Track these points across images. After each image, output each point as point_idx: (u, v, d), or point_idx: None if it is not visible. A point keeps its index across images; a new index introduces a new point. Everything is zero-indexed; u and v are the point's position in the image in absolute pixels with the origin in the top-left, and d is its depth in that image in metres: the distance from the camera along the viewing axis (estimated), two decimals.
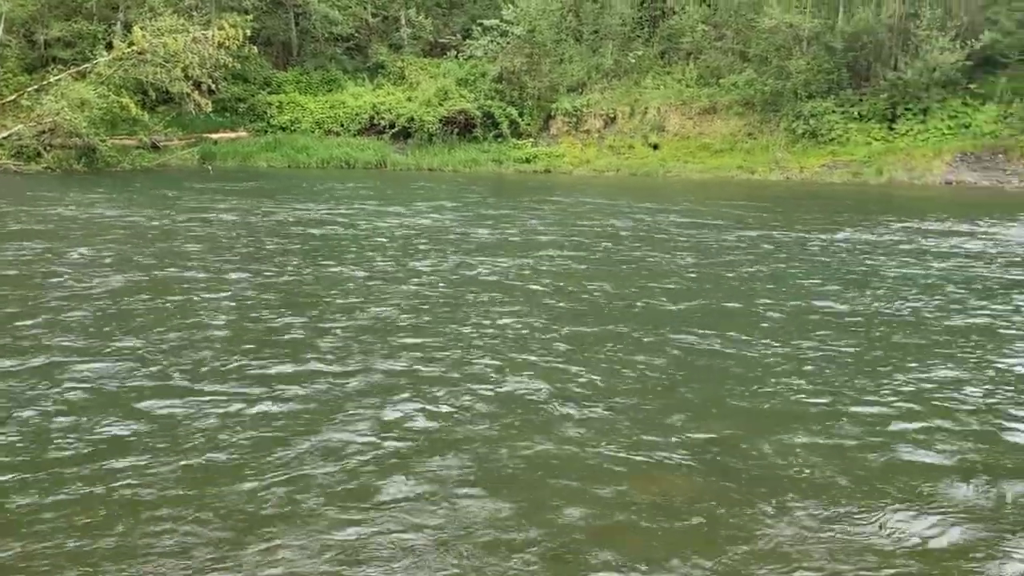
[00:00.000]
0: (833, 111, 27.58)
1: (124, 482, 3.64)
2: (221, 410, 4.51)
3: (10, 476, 3.68)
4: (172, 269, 8.80)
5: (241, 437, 4.17)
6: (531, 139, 30.27)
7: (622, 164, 28.44)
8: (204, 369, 5.25)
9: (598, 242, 11.47)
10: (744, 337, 6.19)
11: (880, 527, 3.36)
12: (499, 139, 30.01)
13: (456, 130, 29.80)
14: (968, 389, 5.10)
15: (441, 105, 29.85)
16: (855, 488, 3.72)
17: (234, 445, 4.07)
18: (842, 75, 27.92)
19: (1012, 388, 5.17)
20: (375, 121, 29.90)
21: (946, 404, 4.83)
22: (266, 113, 30.55)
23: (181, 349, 5.67)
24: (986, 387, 5.17)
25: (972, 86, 27.11)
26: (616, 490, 3.70)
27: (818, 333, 6.38)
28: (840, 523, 3.39)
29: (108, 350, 5.64)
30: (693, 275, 9.05)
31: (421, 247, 10.72)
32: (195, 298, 7.33)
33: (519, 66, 30.55)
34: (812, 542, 3.24)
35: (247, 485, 3.63)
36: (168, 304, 7.09)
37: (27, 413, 4.43)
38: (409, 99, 30.29)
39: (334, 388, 4.92)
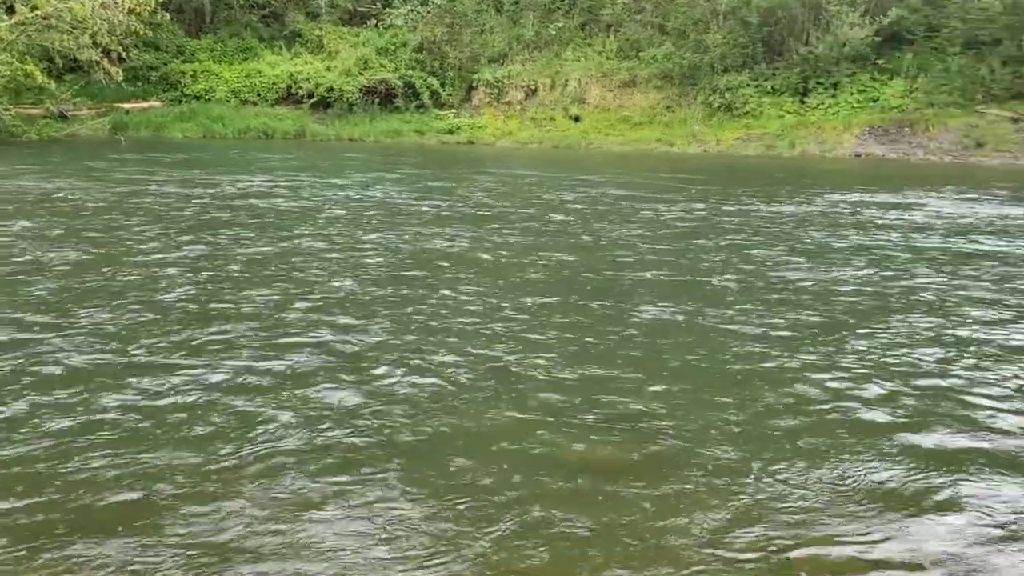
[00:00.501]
0: (748, 85, 28.15)
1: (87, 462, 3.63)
2: (175, 386, 4.51)
3: None
4: (128, 242, 8.68)
5: (199, 410, 4.21)
6: (453, 110, 30.14)
7: (544, 136, 28.58)
8: (173, 341, 5.26)
9: (550, 215, 11.62)
10: (707, 308, 6.42)
11: (820, 481, 3.57)
12: (421, 109, 29.80)
13: (377, 100, 29.46)
14: (922, 352, 5.40)
15: (361, 75, 29.46)
16: (804, 447, 3.92)
17: (186, 420, 4.08)
18: (757, 49, 28.48)
19: (963, 352, 5.47)
20: (293, 91, 29.36)
21: (901, 367, 5.11)
22: (179, 82, 29.69)
23: (148, 324, 5.65)
24: (939, 352, 5.47)
25: (880, 61, 27.98)
26: (554, 458, 3.85)
27: (780, 303, 6.63)
28: (780, 483, 3.57)
29: (77, 325, 5.58)
30: (650, 247, 9.26)
31: (374, 220, 10.73)
32: (157, 271, 7.28)
33: (440, 36, 30.31)
34: (743, 506, 3.42)
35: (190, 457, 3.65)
36: (131, 278, 7.04)
37: None
38: (328, 68, 29.80)
39: (313, 357, 4.99)
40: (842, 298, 6.84)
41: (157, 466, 3.60)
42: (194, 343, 5.23)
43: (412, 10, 30.53)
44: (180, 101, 29.12)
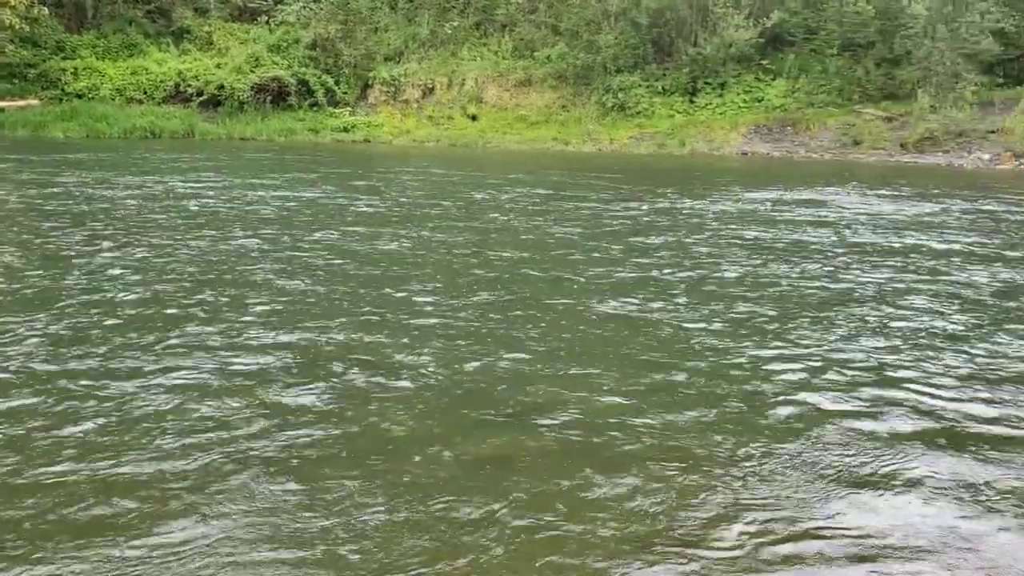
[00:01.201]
0: (639, 85, 28.86)
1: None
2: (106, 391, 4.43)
3: None
4: (58, 244, 8.44)
5: (153, 414, 4.17)
6: (348, 108, 29.87)
7: (442, 135, 28.64)
8: (115, 343, 5.22)
9: (483, 214, 11.74)
10: (650, 304, 6.63)
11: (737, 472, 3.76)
12: (315, 108, 29.42)
13: (269, 98, 28.93)
14: (855, 341, 5.72)
15: (252, 72, 28.89)
16: (723, 440, 4.11)
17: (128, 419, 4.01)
18: (647, 50, 29.21)
19: (898, 342, 5.80)
20: (182, 89, 28.57)
21: (833, 355, 5.41)
22: (60, 80, 28.48)
23: (89, 328, 5.51)
24: (875, 342, 5.80)
25: (764, 62, 29.10)
26: (471, 451, 3.98)
27: (722, 296, 6.88)
28: (690, 475, 3.75)
29: (19, 330, 5.39)
30: (590, 244, 9.51)
31: (306, 219, 10.66)
32: (99, 274, 7.08)
33: (334, 33, 29.98)
34: (646, 498, 3.58)
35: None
36: (71, 282, 6.81)
37: None
38: (218, 66, 29.12)
39: (257, 363, 4.96)
40: (785, 291, 7.16)
41: (119, 472, 3.59)
42: (149, 345, 5.18)
43: (304, 7, 30.11)
44: (61, 99, 27.95)
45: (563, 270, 7.98)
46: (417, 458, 3.92)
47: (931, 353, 5.56)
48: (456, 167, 19.60)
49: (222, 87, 28.28)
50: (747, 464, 3.94)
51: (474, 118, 29.75)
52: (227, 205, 11.88)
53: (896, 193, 15.93)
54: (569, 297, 6.85)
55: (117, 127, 26.27)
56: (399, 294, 6.82)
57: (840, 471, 3.88)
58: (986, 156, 24.77)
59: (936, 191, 16.46)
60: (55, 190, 12.95)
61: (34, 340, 5.30)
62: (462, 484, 3.69)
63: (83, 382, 4.65)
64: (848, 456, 4.04)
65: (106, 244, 8.50)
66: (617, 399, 4.67)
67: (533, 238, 9.85)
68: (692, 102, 28.78)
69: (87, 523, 3.28)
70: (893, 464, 3.96)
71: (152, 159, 18.75)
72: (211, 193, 13.03)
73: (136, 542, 3.14)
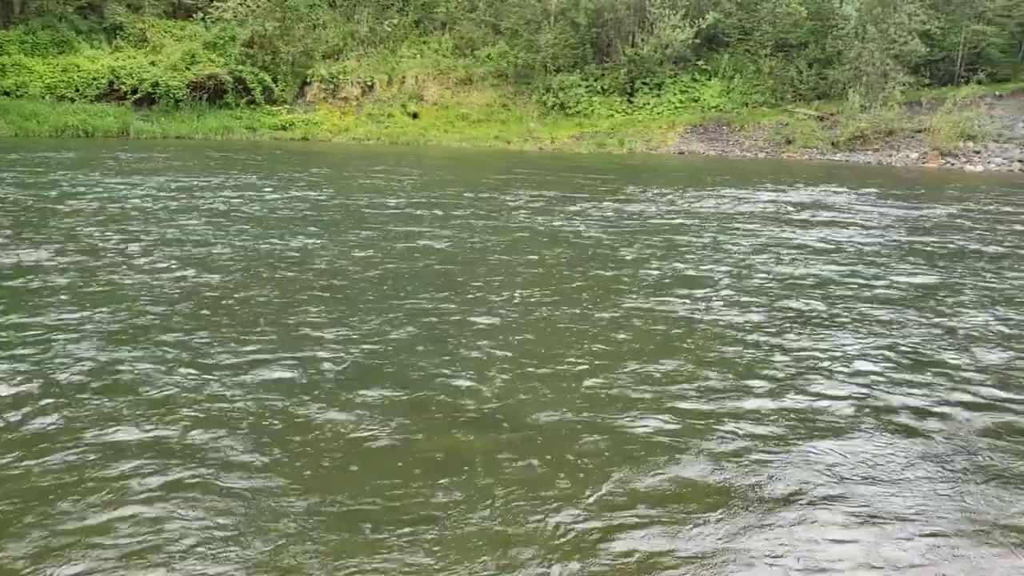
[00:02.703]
0: (579, 85, 29.14)
1: None
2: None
3: None
4: (53, 247, 8.40)
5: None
6: (286, 106, 29.58)
7: (382, 132, 28.54)
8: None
9: (508, 214, 12.00)
10: (624, 303, 6.76)
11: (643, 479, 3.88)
12: (252, 106, 29.07)
13: (206, 96, 28.51)
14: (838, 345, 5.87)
15: (188, 69, 28.42)
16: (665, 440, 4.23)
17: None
18: (587, 50, 29.51)
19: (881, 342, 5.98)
20: (115, 86, 27.96)
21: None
22: None
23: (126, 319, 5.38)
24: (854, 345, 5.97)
25: (700, 63, 29.61)
26: (407, 447, 4.06)
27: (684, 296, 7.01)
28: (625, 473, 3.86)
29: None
30: (587, 242, 9.80)
31: (353, 219, 10.87)
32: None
33: (271, 30, 29.64)
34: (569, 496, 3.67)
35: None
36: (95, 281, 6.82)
37: None
38: (153, 63, 28.57)
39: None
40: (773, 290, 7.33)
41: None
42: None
43: (241, 3, 29.68)
44: None
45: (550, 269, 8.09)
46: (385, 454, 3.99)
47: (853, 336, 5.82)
48: (430, 168, 19.51)
49: (157, 85, 27.77)
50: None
51: (415, 116, 29.71)
52: (230, 207, 11.68)
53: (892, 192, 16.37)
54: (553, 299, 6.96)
55: (48, 125, 25.60)
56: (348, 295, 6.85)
57: (752, 493, 4.04)
58: (914, 154, 25.55)
59: (875, 190, 16.93)
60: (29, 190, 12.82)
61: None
62: (416, 480, 3.77)
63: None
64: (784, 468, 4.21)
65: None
66: (569, 398, 4.77)
67: (564, 238, 9.95)
68: (631, 102, 29.15)
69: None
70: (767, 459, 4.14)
71: (101, 159, 18.29)
72: (198, 195, 12.79)
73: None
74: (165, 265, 7.95)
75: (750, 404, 4.87)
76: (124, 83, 27.80)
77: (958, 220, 13.06)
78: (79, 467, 3.85)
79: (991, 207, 14.98)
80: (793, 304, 7.19)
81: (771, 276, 8.35)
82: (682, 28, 28.14)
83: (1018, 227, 12.51)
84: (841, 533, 3.53)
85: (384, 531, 3.43)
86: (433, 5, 31.64)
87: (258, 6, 29.62)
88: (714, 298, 7.32)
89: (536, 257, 9.02)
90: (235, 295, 6.98)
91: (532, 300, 7.05)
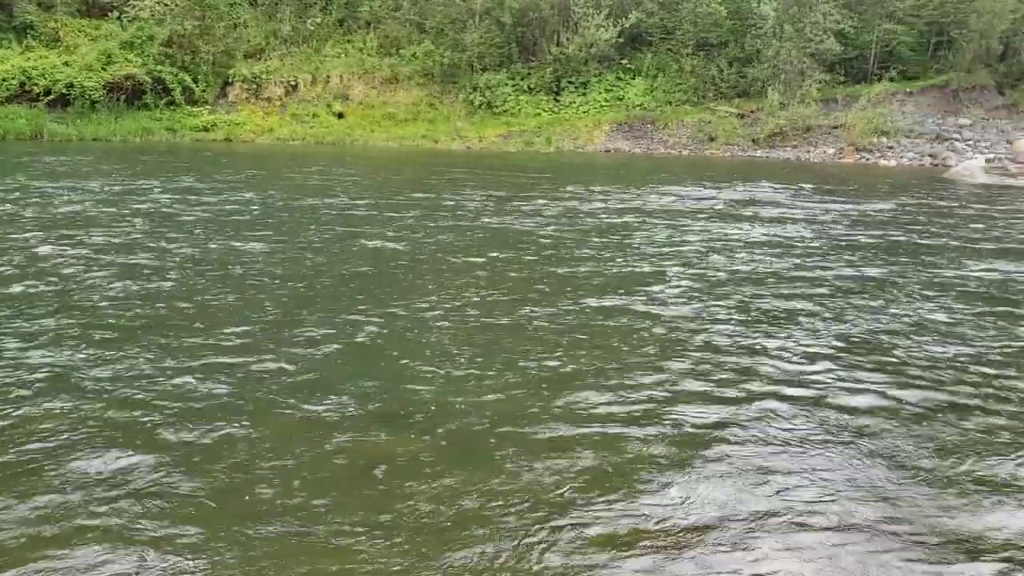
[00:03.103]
0: (506, 84, 29.25)
1: None
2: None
3: None
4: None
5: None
6: (208, 107, 28.98)
7: (307, 133, 28.19)
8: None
9: (443, 212, 12.03)
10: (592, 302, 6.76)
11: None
12: (172, 107, 28.40)
13: (123, 97, 27.73)
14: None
15: (104, 70, 27.59)
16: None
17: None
18: (512, 49, 29.63)
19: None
20: (27, 88, 27.01)
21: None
22: None
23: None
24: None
25: (624, 62, 30.00)
26: (347, 451, 4.08)
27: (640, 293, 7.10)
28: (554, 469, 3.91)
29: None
30: (546, 240, 9.95)
31: (254, 224, 10.59)
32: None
33: (190, 29, 28.99)
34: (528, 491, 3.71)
35: None
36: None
37: None
38: (66, 63, 27.64)
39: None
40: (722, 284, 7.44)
41: None
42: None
43: (158, 2, 28.95)
44: None
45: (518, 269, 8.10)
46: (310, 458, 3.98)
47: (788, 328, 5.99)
48: (365, 169, 19.30)
49: (71, 86, 26.89)
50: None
51: (340, 116, 29.43)
52: (190, 208, 11.36)
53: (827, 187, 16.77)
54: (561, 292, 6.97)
55: None
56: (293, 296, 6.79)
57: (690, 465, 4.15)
58: (831, 150, 26.35)
59: (810, 185, 17.38)
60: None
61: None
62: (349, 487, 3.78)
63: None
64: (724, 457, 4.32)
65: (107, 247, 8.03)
66: (496, 395, 4.81)
67: (489, 237, 9.92)
68: (557, 101, 29.38)
69: None
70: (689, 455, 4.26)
71: (29, 163, 17.69)
72: (142, 197, 12.42)
73: None
74: (115, 271, 7.80)
75: (701, 400, 4.99)
76: (36, 84, 26.84)
77: (897, 214, 13.50)
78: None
79: (926, 201, 15.55)
80: (750, 299, 7.39)
81: (725, 271, 8.59)
82: (606, 27, 28.47)
83: (951, 220, 13.00)
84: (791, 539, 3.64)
85: (336, 535, 3.43)
86: (357, 4, 31.36)
87: (176, 5, 28.93)
88: (670, 293, 7.49)
89: (498, 255, 9.11)
90: (189, 300, 6.89)
91: (494, 299, 7.11)
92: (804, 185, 17.61)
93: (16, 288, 7.14)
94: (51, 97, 26.74)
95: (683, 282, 8.03)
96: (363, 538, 3.43)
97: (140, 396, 4.82)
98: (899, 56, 29.52)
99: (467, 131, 27.99)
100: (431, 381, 5.15)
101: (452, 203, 13.46)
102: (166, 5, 28.88)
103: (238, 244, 9.39)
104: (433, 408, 4.75)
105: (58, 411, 4.58)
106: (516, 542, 3.44)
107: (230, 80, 29.69)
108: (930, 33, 29.92)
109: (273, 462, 4.07)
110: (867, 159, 25.43)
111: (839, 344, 6.15)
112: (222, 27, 29.89)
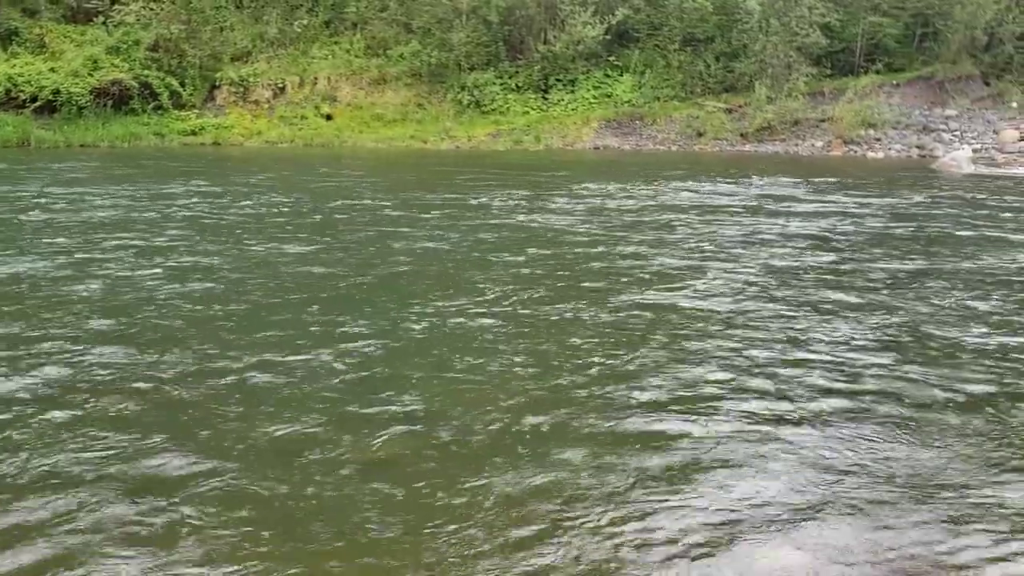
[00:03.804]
0: (494, 83, 29.23)
1: None
2: None
3: None
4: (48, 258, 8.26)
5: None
6: (195, 110, 28.87)
7: (296, 135, 28.13)
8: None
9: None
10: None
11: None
12: (160, 111, 28.29)
13: (110, 102, 27.63)
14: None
15: (91, 75, 27.46)
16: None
17: None
18: (500, 48, 29.60)
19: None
20: (13, 94, 26.86)
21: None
22: None
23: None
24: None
25: (611, 58, 30.00)
26: (341, 452, 4.12)
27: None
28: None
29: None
30: (583, 238, 10.13)
31: (287, 227, 10.70)
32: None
33: (177, 33, 28.88)
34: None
35: None
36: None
37: None
38: (52, 69, 27.52)
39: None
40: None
41: None
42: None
43: (144, 6, 28.84)
44: None
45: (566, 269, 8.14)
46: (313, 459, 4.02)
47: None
48: (372, 170, 19.35)
49: (58, 92, 26.76)
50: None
51: (329, 117, 29.37)
52: (251, 211, 11.42)
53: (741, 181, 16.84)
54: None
55: None
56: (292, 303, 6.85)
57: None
58: (819, 143, 26.45)
59: (818, 179, 17.44)
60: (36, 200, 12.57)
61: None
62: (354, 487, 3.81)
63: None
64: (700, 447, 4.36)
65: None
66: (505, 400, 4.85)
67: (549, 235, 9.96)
68: (545, 99, 29.38)
69: None
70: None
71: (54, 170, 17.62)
72: (209, 202, 12.43)
73: None
74: (164, 273, 8.04)
75: (755, 394, 5.07)
76: (22, 91, 26.71)
77: (909, 207, 13.58)
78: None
79: (939, 193, 15.65)
80: (791, 291, 7.54)
81: (762, 265, 8.68)
82: (593, 25, 28.44)
83: (977, 211, 13.09)
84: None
85: (348, 539, 3.46)
86: (343, 5, 31.28)
87: (162, 9, 28.85)
88: (712, 287, 7.68)
89: (536, 252, 9.28)
90: (238, 300, 7.11)
91: (539, 296, 7.29)
92: (813, 180, 17.57)
93: (66, 289, 7.35)
94: (38, 104, 26.61)
95: (723, 276, 8.16)
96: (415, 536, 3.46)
97: (191, 393, 4.96)
98: (885, 48, 29.62)
99: (456, 131, 27.97)
100: (483, 377, 5.24)
101: (475, 202, 13.60)
102: (152, 9, 28.79)
103: (281, 246, 9.57)
104: (488, 404, 4.81)
105: (116, 412, 4.70)
106: (584, 537, 3.48)
107: (217, 83, 29.59)
108: (915, 25, 30.02)
109: (323, 455, 4.15)
110: (855, 152, 25.54)
111: (890, 334, 6.23)
112: (208, 30, 29.80)
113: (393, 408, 4.78)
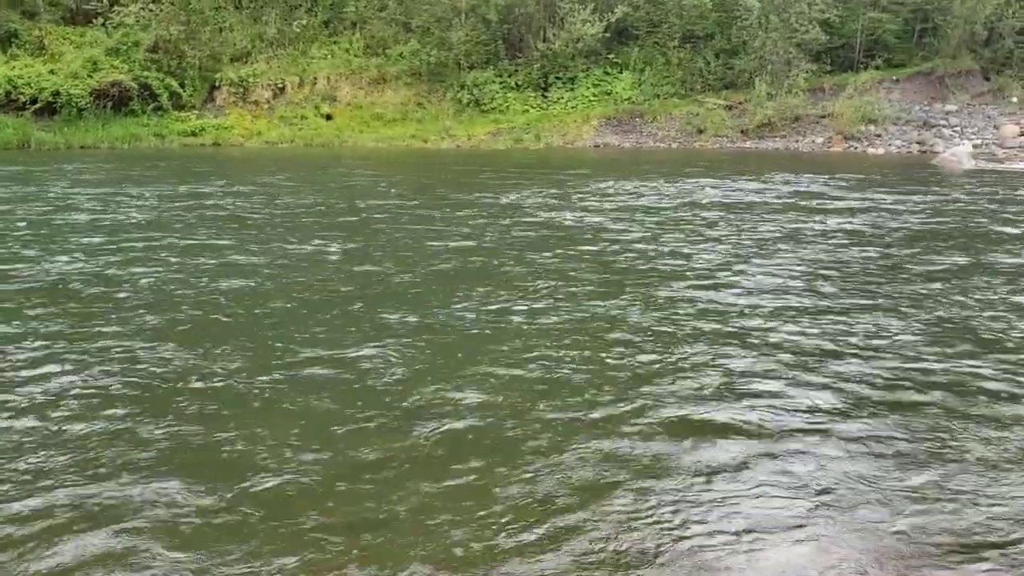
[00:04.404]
0: (493, 81, 29.24)
1: None
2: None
3: None
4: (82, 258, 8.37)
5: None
6: (195, 111, 28.90)
7: (296, 135, 28.15)
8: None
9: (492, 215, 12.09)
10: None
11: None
12: (159, 112, 28.30)
13: (110, 104, 27.64)
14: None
15: (90, 77, 27.48)
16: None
17: None
18: (499, 46, 29.61)
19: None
20: (13, 96, 26.87)
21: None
22: None
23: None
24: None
25: (611, 56, 30.01)
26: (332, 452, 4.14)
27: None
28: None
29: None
30: (620, 236, 10.04)
31: (322, 226, 10.86)
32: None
33: (176, 34, 28.90)
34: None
35: None
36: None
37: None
38: (52, 71, 27.54)
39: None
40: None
41: None
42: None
43: (143, 8, 28.85)
44: None
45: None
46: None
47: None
48: (387, 170, 19.36)
49: (58, 94, 26.79)
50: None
51: (328, 117, 29.40)
52: (266, 211, 11.47)
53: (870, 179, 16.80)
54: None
55: None
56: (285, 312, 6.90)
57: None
58: (819, 139, 26.42)
59: (834, 175, 17.42)
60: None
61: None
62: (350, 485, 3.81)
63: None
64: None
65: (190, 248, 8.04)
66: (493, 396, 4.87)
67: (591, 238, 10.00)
68: (545, 97, 29.39)
69: None
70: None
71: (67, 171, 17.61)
72: (245, 200, 12.46)
73: None
74: (206, 272, 8.15)
75: (801, 388, 5.08)
76: (22, 92, 26.74)
77: (928, 203, 13.50)
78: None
79: (961, 190, 15.62)
80: (832, 287, 7.58)
81: (802, 261, 8.72)
82: (592, 22, 28.46)
83: (994, 207, 13.06)
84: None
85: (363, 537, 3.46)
86: (342, 5, 31.30)
87: (161, 10, 28.87)
88: (753, 284, 7.71)
89: (572, 250, 9.33)
90: (283, 299, 7.16)
91: (583, 293, 7.32)
92: (834, 175, 17.51)
93: (118, 288, 7.47)
94: (38, 106, 26.64)
95: (762, 273, 8.20)
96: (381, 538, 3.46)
97: (251, 388, 5.04)
98: (885, 44, 29.60)
99: (456, 130, 27.97)
100: (537, 370, 5.29)
101: (505, 201, 13.63)
102: (151, 11, 28.81)
103: (325, 245, 9.64)
104: (544, 398, 4.86)
105: (180, 405, 4.80)
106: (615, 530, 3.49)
107: (217, 84, 29.62)
108: (915, 20, 30.01)
109: (389, 447, 4.21)
110: (855, 148, 25.51)
111: (936, 329, 6.25)
112: (208, 31, 29.82)
113: (451, 401, 4.83)
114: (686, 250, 9.35)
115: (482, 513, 3.65)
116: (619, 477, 3.98)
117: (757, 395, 4.96)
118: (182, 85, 28.82)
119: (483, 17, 29.08)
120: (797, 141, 26.50)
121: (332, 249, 9.38)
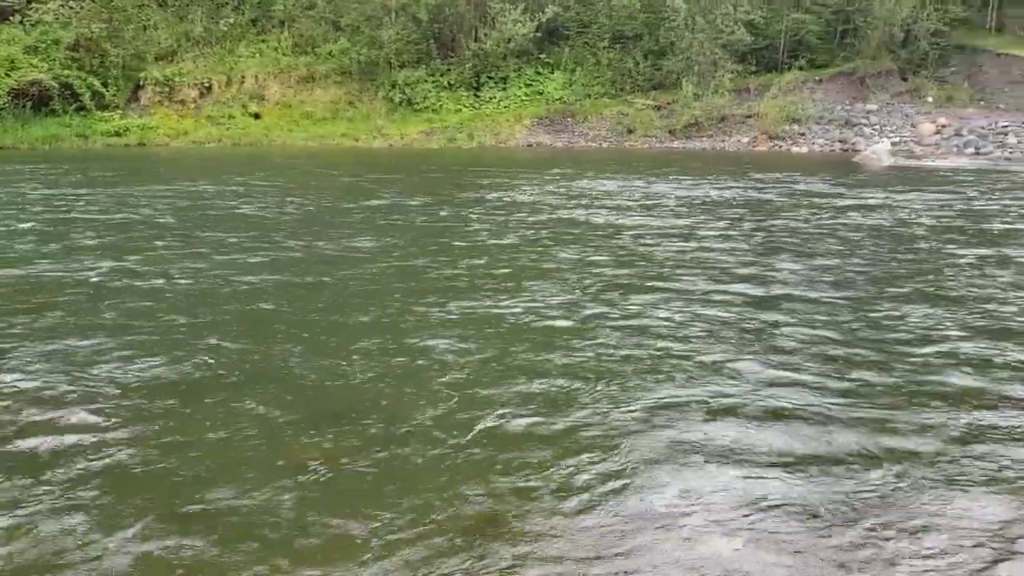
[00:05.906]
0: (425, 80, 29.20)
1: None
2: None
3: None
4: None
5: None
6: (119, 111, 28.22)
7: (223, 134, 27.72)
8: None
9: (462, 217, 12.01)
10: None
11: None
12: (82, 112, 27.57)
13: (29, 103, 26.83)
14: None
15: (9, 76, 26.65)
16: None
17: None
18: (430, 46, 29.57)
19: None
20: None
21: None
22: None
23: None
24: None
25: (542, 56, 30.22)
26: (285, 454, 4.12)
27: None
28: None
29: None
30: (628, 233, 9.88)
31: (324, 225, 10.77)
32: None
33: (98, 32, 28.17)
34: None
35: None
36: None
37: None
38: None
39: None
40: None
41: None
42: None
43: (63, 5, 28.04)
44: None
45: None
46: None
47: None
48: (329, 168, 19.06)
49: None
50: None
51: (257, 116, 29.02)
52: (259, 212, 11.13)
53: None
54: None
55: None
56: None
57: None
58: (745, 139, 26.99)
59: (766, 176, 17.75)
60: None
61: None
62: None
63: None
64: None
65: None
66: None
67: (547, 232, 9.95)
68: (477, 96, 29.46)
69: None
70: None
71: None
72: (207, 201, 12.05)
73: None
74: (234, 271, 8.09)
75: (830, 385, 5.09)
76: None
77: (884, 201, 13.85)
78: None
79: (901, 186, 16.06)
80: (863, 284, 7.69)
81: (809, 260, 8.84)
82: (523, 22, 28.61)
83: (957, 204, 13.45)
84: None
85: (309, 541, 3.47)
86: (270, 3, 30.89)
87: (82, 7, 28.10)
88: (773, 279, 7.84)
89: (583, 248, 9.35)
90: (331, 295, 7.21)
91: (604, 291, 7.32)
92: (753, 175, 17.92)
93: (149, 286, 7.42)
94: None
95: (780, 268, 8.35)
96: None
97: (309, 379, 5.05)
98: (808, 45, 30.38)
99: (388, 129, 27.87)
100: (586, 361, 5.33)
101: (510, 200, 13.65)
102: (71, 8, 28.02)
103: (349, 242, 9.63)
104: (578, 398, 4.84)
105: (243, 397, 4.79)
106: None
107: (141, 83, 28.99)
108: (836, 22, 30.86)
109: (429, 446, 4.19)
110: (780, 147, 26.13)
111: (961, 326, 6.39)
112: (131, 29, 29.16)
113: (513, 391, 4.88)
114: (709, 245, 9.53)
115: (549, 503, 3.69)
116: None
117: (800, 386, 5.06)
118: (105, 84, 28.10)
119: (413, 16, 29.01)
120: (723, 141, 27.03)
121: (359, 246, 9.42)
